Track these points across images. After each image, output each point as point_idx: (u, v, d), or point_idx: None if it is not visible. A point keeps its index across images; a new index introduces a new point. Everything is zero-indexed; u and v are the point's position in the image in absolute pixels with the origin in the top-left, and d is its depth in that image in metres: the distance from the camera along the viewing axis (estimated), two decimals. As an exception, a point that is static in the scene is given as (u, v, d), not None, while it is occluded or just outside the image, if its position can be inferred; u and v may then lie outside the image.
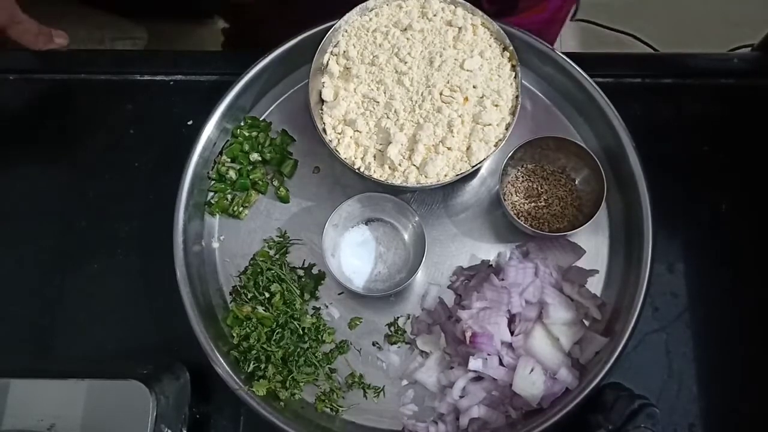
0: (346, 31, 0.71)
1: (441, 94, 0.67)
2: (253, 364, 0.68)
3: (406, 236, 0.74)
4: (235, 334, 0.70)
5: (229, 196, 0.76)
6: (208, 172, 0.76)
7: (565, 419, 0.65)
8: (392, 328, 0.72)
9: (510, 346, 0.68)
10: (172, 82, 0.82)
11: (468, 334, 0.66)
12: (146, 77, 0.83)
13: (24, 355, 0.74)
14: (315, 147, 0.77)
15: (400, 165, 0.68)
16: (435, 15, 0.70)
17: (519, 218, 0.72)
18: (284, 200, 0.77)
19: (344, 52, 0.70)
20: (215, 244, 0.76)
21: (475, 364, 0.66)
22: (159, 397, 0.62)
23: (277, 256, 0.74)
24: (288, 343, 0.70)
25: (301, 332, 0.70)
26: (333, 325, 0.73)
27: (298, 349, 0.70)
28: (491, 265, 0.73)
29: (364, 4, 0.71)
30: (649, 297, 0.69)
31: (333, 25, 0.71)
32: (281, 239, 0.75)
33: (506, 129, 0.68)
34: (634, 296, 0.68)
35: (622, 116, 0.73)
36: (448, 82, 0.67)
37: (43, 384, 0.63)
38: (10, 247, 0.77)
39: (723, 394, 0.71)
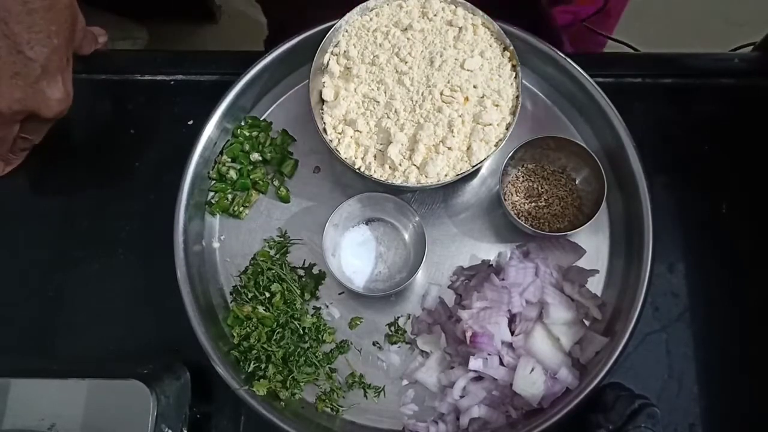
0: (347, 31, 0.71)
1: (441, 93, 0.67)
2: (254, 363, 0.68)
3: (406, 236, 0.74)
4: (235, 334, 0.70)
5: (230, 196, 0.76)
6: (208, 172, 0.76)
7: (565, 419, 0.65)
8: (392, 328, 0.72)
9: (510, 345, 0.68)
10: (172, 82, 0.82)
11: (468, 334, 0.66)
12: (146, 77, 0.83)
13: (24, 355, 0.74)
14: (315, 147, 0.77)
15: (400, 165, 0.68)
16: (435, 15, 0.70)
17: (519, 218, 0.72)
18: (285, 200, 0.77)
19: (345, 51, 0.70)
20: (216, 244, 0.76)
21: (475, 363, 0.66)
22: (159, 397, 0.62)
23: (277, 256, 0.74)
24: (288, 343, 0.70)
25: (301, 332, 0.70)
26: (333, 325, 0.73)
27: (299, 349, 0.70)
28: (491, 264, 0.73)
29: (364, 3, 0.71)
30: (649, 297, 0.68)
31: (333, 24, 0.71)
32: (282, 239, 0.75)
33: (507, 129, 0.68)
34: (635, 296, 0.68)
35: (622, 116, 0.72)
36: (448, 82, 0.67)
37: (43, 384, 0.63)
38: (11, 247, 0.77)
39: (723, 394, 0.71)
